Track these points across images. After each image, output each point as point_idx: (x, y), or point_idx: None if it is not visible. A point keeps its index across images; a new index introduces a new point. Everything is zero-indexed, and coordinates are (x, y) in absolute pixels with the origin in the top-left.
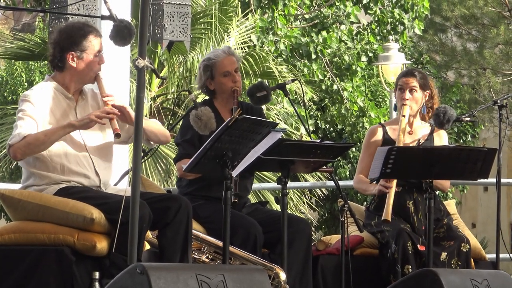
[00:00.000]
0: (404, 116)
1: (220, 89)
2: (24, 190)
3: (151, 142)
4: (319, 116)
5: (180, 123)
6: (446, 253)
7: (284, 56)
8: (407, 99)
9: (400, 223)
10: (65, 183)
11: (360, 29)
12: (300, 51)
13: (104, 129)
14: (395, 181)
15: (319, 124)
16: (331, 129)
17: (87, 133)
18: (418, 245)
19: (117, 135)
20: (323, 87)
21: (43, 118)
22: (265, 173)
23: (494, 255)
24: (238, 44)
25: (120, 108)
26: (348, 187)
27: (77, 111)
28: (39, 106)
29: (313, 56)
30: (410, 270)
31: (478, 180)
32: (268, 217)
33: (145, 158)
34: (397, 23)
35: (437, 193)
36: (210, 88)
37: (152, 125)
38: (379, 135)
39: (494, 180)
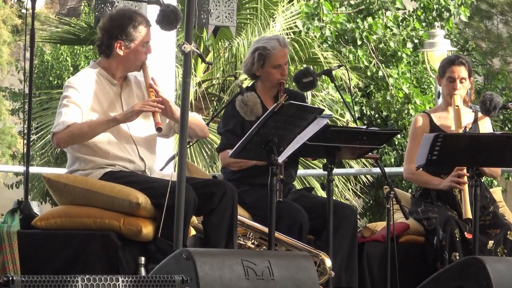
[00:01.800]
0: (457, 106)
1: (267, 78)
2: (70, 175)
3: (189, 137)
4: (364, 102)
5: (224, 110)
6: (492, 242)
7: (329, 42)
8: (458, 89)
9: (447, 211)
10: (110, 167)
11: (406, 16)
12: (346, 37)
13: (149, 119)
14: (465, 176)
15: (364, 111)
16: (376, 115)
17: (132, 123)
18: (465, 233)
19: (158, 129)
20: (368, 73)
21: (88, 105)
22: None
23: None
24: (284, 29)
25: (163, 101)
26: (394, 174)
27: (122, 98)
28: (84, 92)
29: (359, 42)
30: (458, 257)
31: None
32: (313, 203)
33: (191, 143)
34: (443, 9)
35: (483, 180)
36: (256, 74)
37: (190, 120)
38: (425, 124)
39: None
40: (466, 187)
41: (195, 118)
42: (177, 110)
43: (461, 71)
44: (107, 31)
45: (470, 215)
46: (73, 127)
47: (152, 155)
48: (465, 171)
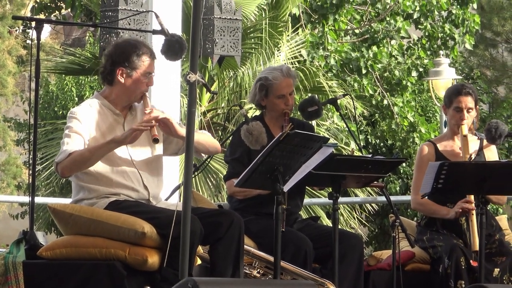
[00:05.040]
0: (465, 136)
1: (272, 108)
2: (76, 205)
3: (202, 154)
4: (369, 131)
5: (230, 139)
6: (498, 269)
7: (334, 71)
8: (465, 119)
9: (453, 239)
10: (114, 196)
11: (411, 44)
12: (351, 66)
13: (152, 146)
14: (473, 202)
15: (369, 139)
16: (381, 144)
17: (134, 149)
18: (471, 261)
19: (155, 140)
20: (373, 102)
21: (89, 134)
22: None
23: None
24: (288, 59)
25: (164, 120)
26: (399, 202)
27: (125, 127)
28: (86, 122)
29: (364, 71)
30: (463, 285)
31: None
32: (319, 232)
33: (196, 173)
34: (448, 38)
35: (488, 208)
36: (262, 104)
37: (200, 137)
38: (431, 153)
39: None
40: (474, 219)
41: (204, 135)
42: (181, 128)
43: (468, 101)
44: (111, 57)
45: (477, 248)
46: (74, 154)
47: (157, 183)
48: (472, 199)
